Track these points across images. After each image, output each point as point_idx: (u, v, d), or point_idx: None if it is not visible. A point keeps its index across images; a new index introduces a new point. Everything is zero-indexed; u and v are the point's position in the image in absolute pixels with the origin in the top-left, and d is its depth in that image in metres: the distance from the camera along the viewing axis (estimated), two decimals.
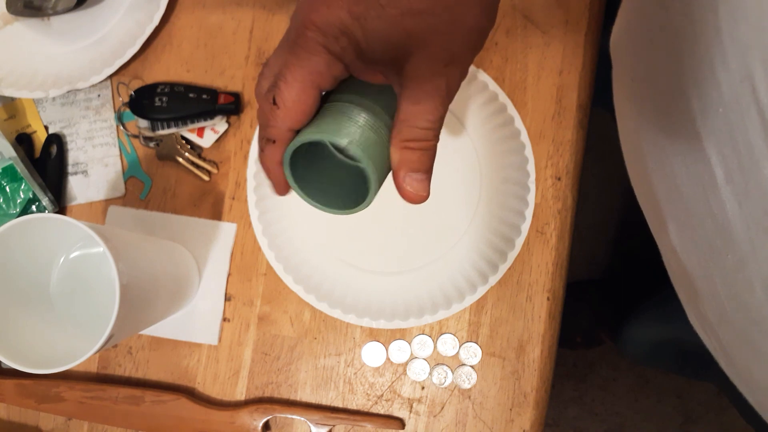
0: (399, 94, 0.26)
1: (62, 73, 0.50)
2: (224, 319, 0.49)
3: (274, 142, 0.27)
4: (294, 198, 0.49)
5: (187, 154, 0.49)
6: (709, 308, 0.32)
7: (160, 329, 0.48)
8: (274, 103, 0.26)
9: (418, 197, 0.27)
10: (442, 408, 0.47)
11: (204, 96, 0.48)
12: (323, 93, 0.28)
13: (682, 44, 0.27)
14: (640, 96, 0.34)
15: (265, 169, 0.28)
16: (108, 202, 0.50)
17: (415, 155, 0.26)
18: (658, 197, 0.34)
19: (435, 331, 0.47)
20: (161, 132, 0.49)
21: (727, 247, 0.27)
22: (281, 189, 0.29)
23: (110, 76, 0.51)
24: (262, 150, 0.28)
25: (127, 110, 0.50)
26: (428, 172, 0.27)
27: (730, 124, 0.25)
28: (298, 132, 0.27)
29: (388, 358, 0.47)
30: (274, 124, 0.27)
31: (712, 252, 0.29)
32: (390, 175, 0.31)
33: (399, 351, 0.47)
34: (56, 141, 0.50)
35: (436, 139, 0.27)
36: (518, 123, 0.46)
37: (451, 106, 0.47)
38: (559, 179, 0.47)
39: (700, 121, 0.27)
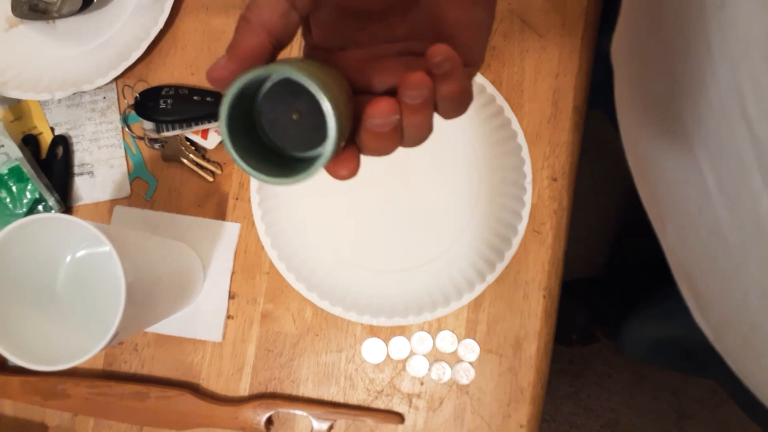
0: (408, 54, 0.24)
1: (68, 75, 0.51)
2: (228, 317, 0.49)
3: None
4: (296, 198, 0.49)
5: (191, 155, 0.50)
6: (711, 311, 0.32)
7: (165, 326, 0.49)
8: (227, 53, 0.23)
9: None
10: (441, 403, 0.48)
11: (208, 98, 0.49)
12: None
13: (675, 56, 0.28)
14: (639, 102, 0.35)
15: None
16: (114, 202, 0.51)
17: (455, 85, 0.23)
18: (658, 197, 0.34)
19: (434, 328, 0.48)
20: (166, 134, 0.50)
21: (722, 252, 0.28)
22: None
23: (115, 79, 0.51)
24: None
25: (132, 112, 0.51)
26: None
27: (720, 136, 0.25)
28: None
29: (388, 355, 0.48)
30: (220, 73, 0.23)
31: (708, 256, 0.29)
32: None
33: (399, 347, 0.48)
34: (62, 142, 0.51)
35: (470, 79, 0.24)
36: (515, 125, 0.47)
37: None
38: (555, 180, 0.48)
39: (692, 131, 0.27)
